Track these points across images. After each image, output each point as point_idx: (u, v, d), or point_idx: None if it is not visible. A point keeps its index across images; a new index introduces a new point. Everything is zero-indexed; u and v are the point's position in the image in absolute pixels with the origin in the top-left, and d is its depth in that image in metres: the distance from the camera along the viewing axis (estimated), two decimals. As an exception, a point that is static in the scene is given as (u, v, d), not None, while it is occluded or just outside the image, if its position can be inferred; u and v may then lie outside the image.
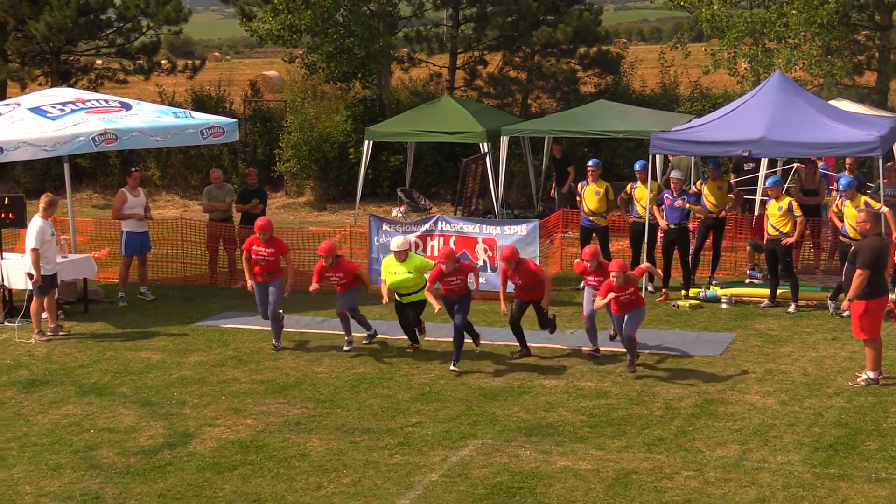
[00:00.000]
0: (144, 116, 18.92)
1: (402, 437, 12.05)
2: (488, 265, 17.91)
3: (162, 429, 12.52)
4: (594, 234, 18.86)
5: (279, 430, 12.36)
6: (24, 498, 10.61)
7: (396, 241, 15.25)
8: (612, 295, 13.93)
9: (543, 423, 12.43)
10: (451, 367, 14.46)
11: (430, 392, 13.60)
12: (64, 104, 18.58)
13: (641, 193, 18.26)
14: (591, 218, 18.71)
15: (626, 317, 14.08)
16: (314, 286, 15.47)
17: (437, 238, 18.23)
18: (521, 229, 17.92)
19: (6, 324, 17.11)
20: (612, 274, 13.90)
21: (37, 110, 18.15)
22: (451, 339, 14.75)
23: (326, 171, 28.87)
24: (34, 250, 16.29)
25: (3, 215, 17.49)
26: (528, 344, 15.02)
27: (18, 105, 18.56)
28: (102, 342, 16.28)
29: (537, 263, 15.86)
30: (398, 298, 15.34)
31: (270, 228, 15.67)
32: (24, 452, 11.79)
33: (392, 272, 15.09)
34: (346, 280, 15.33)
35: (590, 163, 18.98)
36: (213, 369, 14.73)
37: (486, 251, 18.04)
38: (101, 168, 30.42)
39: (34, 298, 16.48)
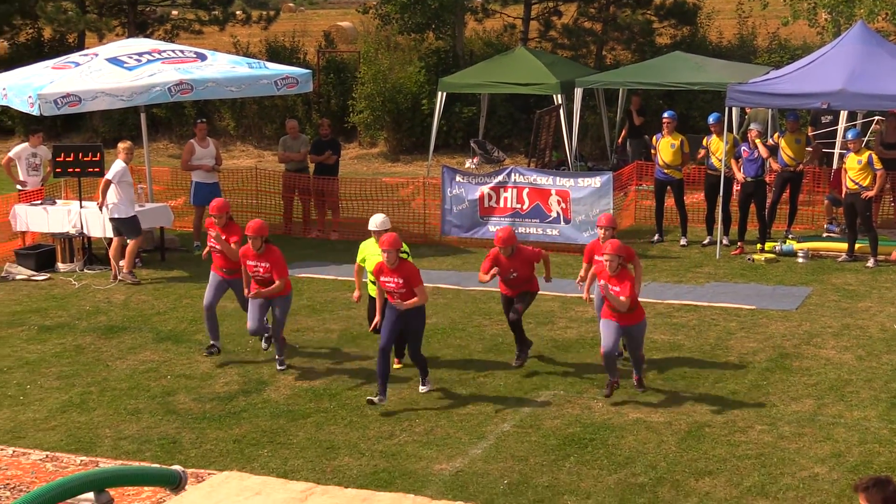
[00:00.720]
0: (219, 67, 19.04)
1: (474, 388, 12.11)
2: (562, 217, 17.83)
3: (237, 376, 12.69)
4: (669, 188, 18.76)
5: (352, 378, 12.50)
6: (104, 441, 10.85)
7: (376, 220, 12.79)
8: (601, 283, 11.68)
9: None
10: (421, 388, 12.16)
11: (502, 343, 13.59)
12: (140, 55, 18.71)
13: (717, 146, 18.03)
14: (665, 171, 18.50)
15: (623, 330, 11.64)
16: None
17: (510, 190, 18.20)
18: (595, 181, 17.76)
19: (86, 271, 17.47)
20: (605, 257, 11.65)
21: (114, 61, 18.33)
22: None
23: (400, 122, 28.81)
24: (107, 180, 16.74)
25: (82, 164, 17.79)
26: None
27: (96, 55, 18.74)
28: (179, 290, 16.49)
29: (534, 249, 13.18)
30: (370, 293, 12.89)
31: (226, 211, 13.46)
32: (103, 397, 12.03)
33: (370, 255, 12.77)
34: (270, 276, 12.55)
35: (665, 115, 18.76)
36: (287, 318, 14.84)
37: (559, 203, 17.94)
38: (176, 118, 30.65)
39: (130, 241, 16.89)
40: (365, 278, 13.10)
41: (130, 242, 16.91)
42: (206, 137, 19.03)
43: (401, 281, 11.54)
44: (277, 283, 12.41)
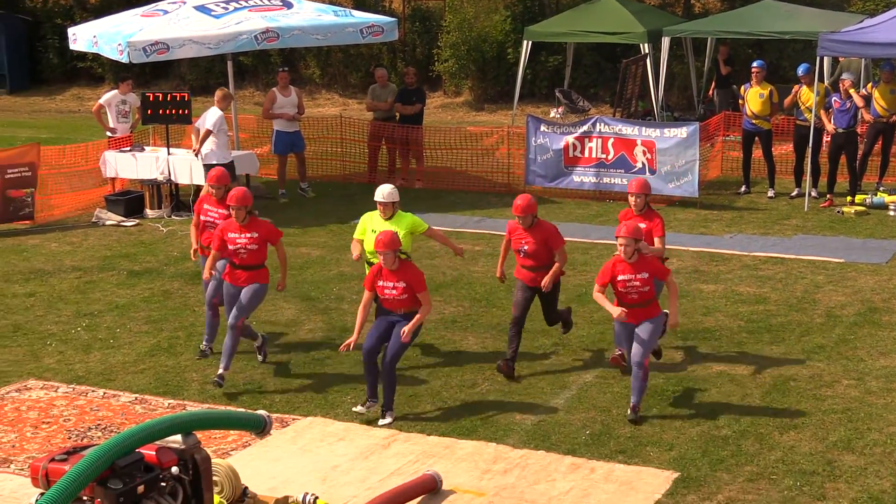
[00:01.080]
0: (305, 15, 19.07)
1: (557, 338, 12.06)
2: (647, 168, 17.68)
3: (321, 323, 12.81)
4: (756, 138, 18.47)
5: (435, 327, 12.49)
6: (191, 385, 11.01)
7: (383, 191, 10.98)
8: (615, 309, 9.85)
9: (700, 327, 12.33)
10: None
11: (585, 294, 13.46)
12: (227, 2, 18.77)
13: (807, 96, 17.70)
14: (753, 121, 18.22)
15: (635, 330, 10.05)
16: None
17: (595, 140, 18.06)
18: (682, 132, 17.57)
19: (173, 217, 17.70)
20: (619, 241, 9.93)
21: (202, 9, 18.43)
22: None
23: (485, 70, 28.71)
24: (207, 130, 16.88)
25: (170, 111, 18.05)
26: (687, 248, 14.80)
27: (184, 3, 18.82)
28: (264, 237, 16.66)
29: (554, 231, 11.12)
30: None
31: (226, 182, 11.66)
32: (190, 341, 12.19)
33: (372, 230, 11.01)
34: (256, 253, 10.82)
35: (754, 64, 18.48)
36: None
37: (644, 153, 17.78)
38: (262, 66, 30.76)
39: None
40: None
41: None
42: (288, 86, 19.10)
43: (402, 286, 9.89)
44: (280, 251, 11.00)
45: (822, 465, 9.05)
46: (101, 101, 19.48)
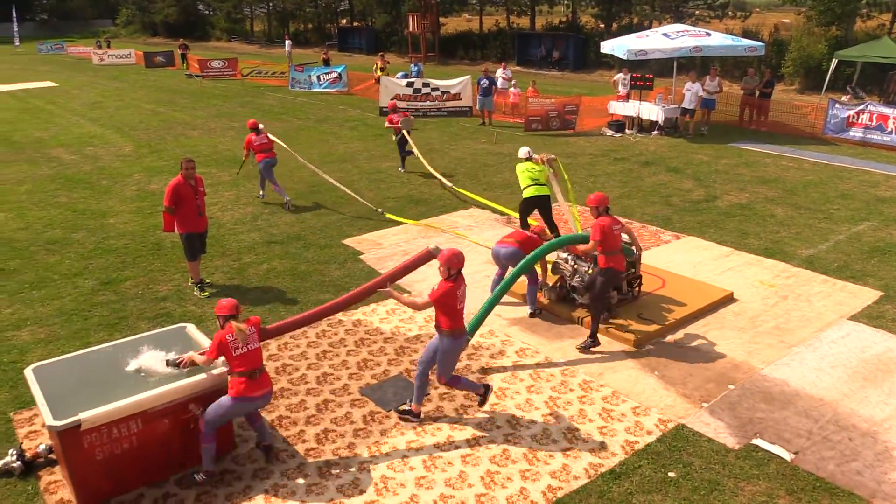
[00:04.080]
0: (716, 39, 18.38)
1: (826, 215, 11.63)
2: (894, 130, 16.08)
3: (703, 192, 12.77)
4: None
5: (762, 202, 12.22)
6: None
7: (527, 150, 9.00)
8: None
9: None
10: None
11: (847, 195, 12.67)
12: (678, 32, 18.70)
13: None
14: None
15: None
16: None
17: (865, 114, 16.53)
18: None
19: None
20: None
21: (665, 34, 18.52)
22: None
23: (807, 74, 26.01)
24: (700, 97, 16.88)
25: (644, 82, 18.11)
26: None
27: (655, 32, 18.91)
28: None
29: None
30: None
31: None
32: (633, 200, 12.54)
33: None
34: None
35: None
36: (728, 170, 14.37)
37: (894, 123, 15.91)
38: (693, 65, 28.92)
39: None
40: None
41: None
42: (707, 76, 18.49)
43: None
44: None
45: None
46: (615, 77, 19.75)
